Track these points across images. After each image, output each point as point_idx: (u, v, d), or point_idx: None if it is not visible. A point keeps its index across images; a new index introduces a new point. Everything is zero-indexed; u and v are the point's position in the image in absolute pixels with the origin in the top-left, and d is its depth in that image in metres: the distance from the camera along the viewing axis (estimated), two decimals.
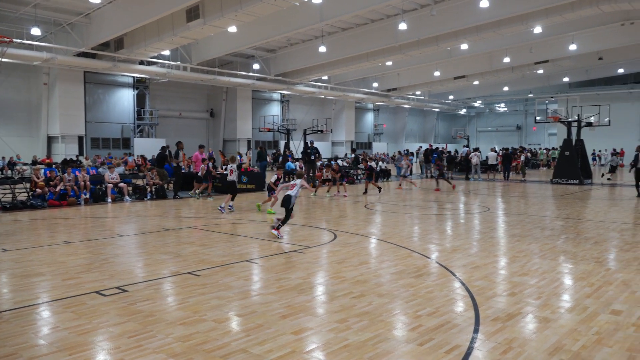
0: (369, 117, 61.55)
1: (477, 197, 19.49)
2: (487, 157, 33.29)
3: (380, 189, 20.50)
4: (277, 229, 10.25)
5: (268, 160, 33.30)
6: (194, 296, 6.43)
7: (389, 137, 63.42)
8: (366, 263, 8.15)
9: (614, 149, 46.48)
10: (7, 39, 16.48)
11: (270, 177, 13.34)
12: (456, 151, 47.77)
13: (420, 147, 47.36)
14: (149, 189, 18.13)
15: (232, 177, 14.17)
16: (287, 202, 10.35)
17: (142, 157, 32.73)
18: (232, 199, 14.32)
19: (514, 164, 32.87)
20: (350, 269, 7.71)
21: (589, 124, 27.06)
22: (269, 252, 8.90)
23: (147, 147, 36.47)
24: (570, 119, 26.54)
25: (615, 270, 7.73)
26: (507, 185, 25.43)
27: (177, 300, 6.27)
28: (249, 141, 44.07)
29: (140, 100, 39.88)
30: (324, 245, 9.65)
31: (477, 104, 65.42)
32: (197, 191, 17.79)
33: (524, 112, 68.80)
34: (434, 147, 37.11)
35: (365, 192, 20.05)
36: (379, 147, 58.27)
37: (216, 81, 36.66)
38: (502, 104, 68.05)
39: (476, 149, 29.79)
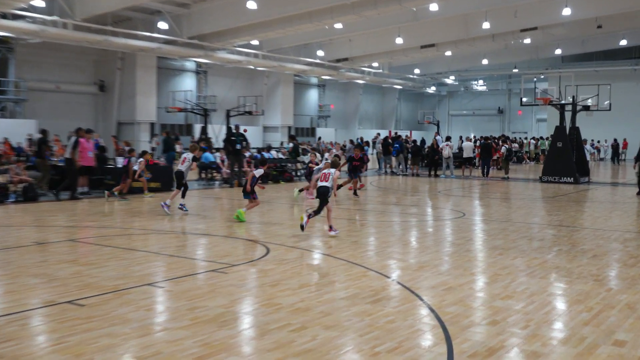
0: (312, 96, 62.12)
1: (449, 200, 20.00)
2: (461, 149, 34.31)
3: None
4: (309, 217, 11.89)
5: (178, 149, 32.78)
6: (76, 333, 6.19)
7: (338, 122, 64.23)
8: (308, 285, 8.16)
9: (615, 140, 49.17)
10: None
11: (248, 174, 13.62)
12: (423, 140, 49.09)
13: (378, 134, 48.40)
14: (12, 188, 17.52)
15: (182, 167, 15.15)
16: (325, 195, 11.96)
17: (6, 141, 31.52)
18: (183, 196, 15.20)
19: (494, 157, 34.03)
20: (288, 294, 7.69)
21: (586, 108, 28.37)
22: (179, 272, 8.74)
23: (10, 130, 35.03)
24: (563, 101, 27.74)
25: (618, 290, 8.12)
26: (486, 184, 26.28)
27: (53, 340, 6.02)
28: (152, 124, 43.28)
29: (1, 68, 38.26)
30: (253, 262, 9.61)
31: (450, 80, 67.37)
32: (115, 192, 18.32)
33: (507, 92, 71.47)
34: (395, 135, 37.72)
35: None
36: (325, 134, 58.90)
37: (108, 44, 35.75)
38: (481, 82, 70.45)
39: (448, 138, 30.56)
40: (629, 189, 23.93)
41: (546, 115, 58.52)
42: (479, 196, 21.57)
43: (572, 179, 25.94)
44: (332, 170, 12.35)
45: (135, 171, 18.86)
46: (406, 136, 44.86)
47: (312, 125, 61.16)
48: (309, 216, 11.92)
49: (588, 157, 34.68)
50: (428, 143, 38.50)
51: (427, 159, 32.44)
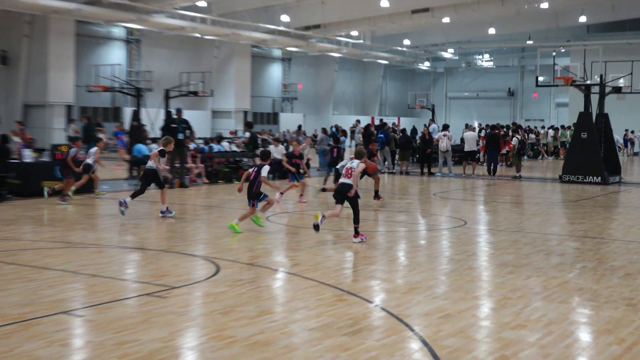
0: (275, 73, 62.11)
1: (446, 204, 20.14)
2: (461, 140, 34.52)
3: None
4: (358, 234, 12.79)
5: (104, 139, 32.49)
6: None
7: (308, 106, 64.35)
8: (270, 313, 8.15)
9: None
10: None
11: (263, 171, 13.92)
12: (414, 130, 49.35)
13: (358, 122, 48.48)
14: None
15: (152, 163, 15.96)
16: (344, 194, 12.74)
17: None
18: (133, 196, 16.00)
19: (503, 151, 34.37)
20: (244, 323, 7.67)
21: (617, 90, 28.80)
22: (104, 297, 8.66)
23: None
24: (588, 82, 28.13)
25: None
26: (492, 184, 26.54)
27: None
28: (69, 107, 42.80)
29: None
30: (199, 283, 9.57)
31: (448, 54, 67.90)
32: (68, 192, 18.82)
33: (519, 70, 72.33)
34: (379, 123, 37.88)
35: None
36: (291, 121, 58.94)
37: (11, 3, 35.25)
38: (486, 56, 71.22)
39: (445, 127, 30.77)
40: None
41: (567, 99, 59.26)
42: (484, 200, 21.77)
43: (599, 178, 26.32)
44: (356, 162, 13.00)
45: (89, 165, 19.11)
46: (393, 124, 45.07)
47: (274, 109, 61.15)
48: (355, 230, 12.84)
49: (619, 152, 35.28)
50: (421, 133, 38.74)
51: (418, 153, 32.65)
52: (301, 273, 10.21)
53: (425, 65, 71.25)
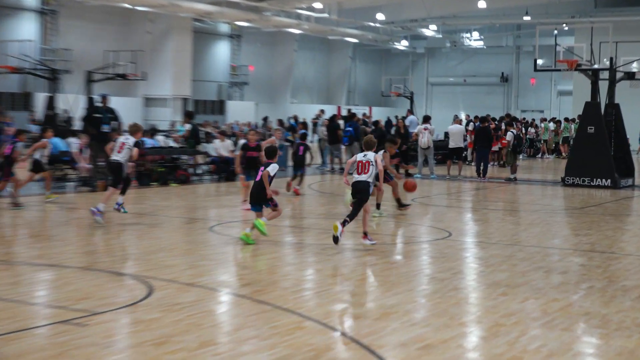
0: (222, 52, 61.92)
1: (427, 211, 20.22)
2: (446, 135, 34.64)
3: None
4: (344, 225, 13.31)
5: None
6: None
7: (261, 92, 64.24)
8: (214, 343, 8.11)
9: None
10: None
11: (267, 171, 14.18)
12: (389, 122, 49.45)
13: (322, 112, 48.50)
14: None
15: (119, 156, 16.44)
16: (364, 193, 13.54)
17: None
18: (123, 192, 16.61)
19: (495, 148, 34.64)
20: (182, 357, 7.62)
21: (630, 76, 29.08)
22: (9, 325, 8.53)
23: None
24: (596, 66, 28.43)
25: None
26: (482, 187, 26.70)
27: None
28: None
29: None
30: (127, 308, 9.49)
31: (430, 32, 68.17)
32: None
33: (514, 51, 72.98)
34: (347, 113, 37.98)
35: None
36: (240, 110, 58.73)
37: None
38: (476, 35, 71.63)
39: (426, 119, 30.93)
40: None
41: (571, 86, 59.85)
42: (473, 207, 21.90)
43: (609, 181, 26.56)
44: (371, 154, 13.81)
45: (38, 163, 19.65)
46: (364, 115, 45.25)
47: (220, 96, 60.94)
48: (344, 223, 13.32)
49: (634, 149, 35.65)
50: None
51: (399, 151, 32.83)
52: (252, 295, 10.17)
53: (403, 45, 71.59)
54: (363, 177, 13.61)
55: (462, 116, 50.38)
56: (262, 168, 14.24)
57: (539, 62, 29.99)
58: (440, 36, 68.98)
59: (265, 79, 64.90)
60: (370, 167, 13.61)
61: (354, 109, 50.09)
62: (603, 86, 28.25)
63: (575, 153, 28.16)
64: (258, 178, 14.12)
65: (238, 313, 9.52)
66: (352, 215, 13.59)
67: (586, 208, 21.16)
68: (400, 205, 19.11)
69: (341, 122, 33.85)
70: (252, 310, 9.44)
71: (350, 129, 30.87)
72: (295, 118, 44.38)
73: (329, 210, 19.74)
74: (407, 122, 34.90)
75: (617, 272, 12.21)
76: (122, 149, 16.38)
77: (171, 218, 17.56)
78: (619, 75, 28.48)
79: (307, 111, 58.37)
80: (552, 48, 29.63)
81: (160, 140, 28.26)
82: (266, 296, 10.09)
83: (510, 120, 38.84)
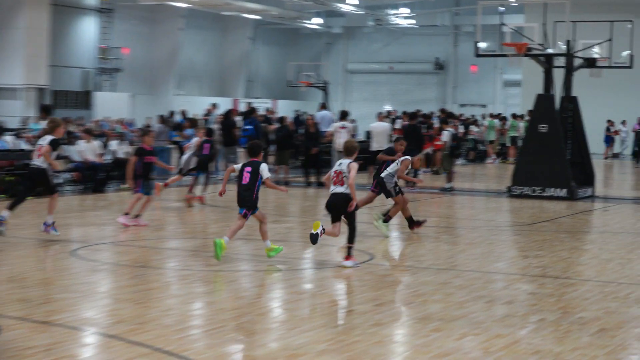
0: (88, 31, 60.96)
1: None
2: (368, 135, 34.74)
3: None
4: (349, 256, 14.68)
5: None
6: None
7: (138, 81, 63.66)
8: None
9: None
10: None
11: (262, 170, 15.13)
12: (297, 119, 49.41)
13: (214, 107, 48.16)
14: None
15: (39, 161, 16.96)
16: (341, 208, 14.67)
17: None
18: (12, 207, 17.38)
19: (427, 151, 34.87)
20: None
21: (590, 63, 29.60)
22: None
23: None
24: (550, 50, 28.83)
25: None
26: (412, 199, 26.90)
27: None
28: None
29: None
30: None
31: (348, 8, 68.38)
32: None
33: (451, 32, 73.51)
34: (247, 108, 37.94)
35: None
36: (111, 103, 58.02)
37: None
38: (405, 12, 71.89)
39: (344, 116, 31.08)
40: None
41: (520, 75, 60.74)
42: (400, 223, 22.02)
43: (564, 191, 26.92)
44: (346, 163, 14.67)
45: None
46: (267, 111, 45.25)
47: (85, 86, 60.08)
48: (349, 253, 14.73)
49: (596, 152, 36.13)
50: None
51: (303, 154, 32.88)
52: (125, 335, 10.10)
53: (315, 24, 71.72)
54: (340, 189, 14.50)
55: (385, 112, 50.81)
56: (247, 168, 14.87)
57: (481, 45, 30.26)
58: (362, 13, 69.29)
59: (144, 64, 64.25)
60: (344, 178, 14.36)
61: (255, 103, 50.04)
62: (558, 75, 28.67)
63: (524, 157, 28.40)
64: (247, 180, 14.76)
65: (107, 358, 9.45)
66: (351, 238, 14.72)
67: (537, 224, 21.48)
68: (413, 223, 19.23)
69: (239, 119, 33.82)
70: (125, 355, 9.38)
71: (249, 127, 30.88)
72: (184, 113, 43.96)
73: (222, 228, 19.71)
74: (318, 118, 34.97)
75: (573, 302, 12.44)
76: (42, 152, 16.76)
77: (23, 239, 17.28)
78: (577, 62, 28.94)
79: (196, 105, 57.86)
80: (497, 28, 29.97)
81: (9, 141, 27.82)
82: (143, 336, 10.03)
83: (446, 116, 39.11)
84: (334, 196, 14.61)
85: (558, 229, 20.81)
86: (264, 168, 14.93)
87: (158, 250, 16.21)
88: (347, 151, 14.96)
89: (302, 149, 32.13)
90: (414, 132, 30.39)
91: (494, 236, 19.39)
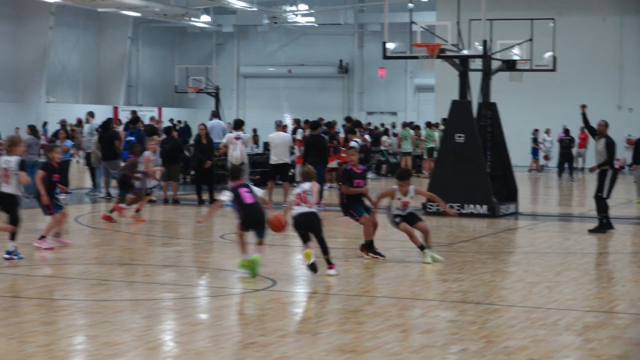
0: None
1: (232, 250, 20.36)
2: (266, 146, 34.75)
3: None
4: (332, 265, 16.88)
5: None
6: None
7: (3, 88, 62.85)
8: None
9: (565, 131, 52.51)
10: None
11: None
12: (187, 128, 49.30)
13: (90, 116, 47.87)
14: None
15: (9, 187, 17.87)
16: (314, 226, 16.90)
17: None
18: (13, 237, 18.19)
19: (332, 165, 34.96)
20: None
21: (510, 65, 29.96)
22: None
23: None
24: (465, 51, 29.12)
25: None
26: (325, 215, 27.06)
27: None
28: None
29: None
30: None
31: (240, 4, 68.26)
32: None
33: (355, 31, 73.86)
34: (131, 116, 37.78)
35: None
36: None
37: None
38: (304, 8, 71.98)
39: (239, 125, 31.12)
40: (591, 225, 25.59)
41: (433, 80, 61.25)
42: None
43: (485, 207, 27.20)
44: (307, 185, 16.91)
45: None
46: (152, 120, 45.04)
47: None
48: (330, 264, 16.89)
49: (518, 165, 36.55)
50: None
51: (193, 168, 32.81)
52: None
53: (203, 22, 71.55)
54: (307, 209, 16.84)
55: (288, 121, 50.94)
56: (245, 189, 16.58)
57: (390, 46, 30.32)
58: (255, 9, 68.98)
59: (8, 68, 63.52)
60: (308, 196, 16.63)
61: (139, 111, 49.83)
62: (475, 79, 28.99)
63: (439, 170, 28.66)
64: (252, 200, 16.54)
65: None
66: (325, 249, 16.86)
67: (456, 244, 21.70)
68: (370, 250, 19.33)
69: (119, 130, 33.64)
70: None
71: (132, 138, 30.69)
72: (63, 123, 43.34)
73: (105, 253, 19.62)
74: (208, 127, 34.91)
75: (497, 330, 12.60)
76: (8, 175, 17.68)
77: None
78: (495, 64, 29.29)
79: (70, 114, 57.47)
80: (406, 27, 30.16)
81: None
82: None
83: (352, 126, 39.21)
84: (304, 216, 16.71)
85: (479, 249, 21.05)
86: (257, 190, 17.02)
87: (29, 279, 16.07)
88: (305, 176, 17.27)
89: (194, 162, 32.04)
90: (318, 143, 30.35)
91: (409, 258, 19.48)
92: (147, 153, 24.33)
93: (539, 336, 12.23)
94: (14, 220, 17.97)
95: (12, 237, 18.04)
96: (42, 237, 19.64)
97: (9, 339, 11.58)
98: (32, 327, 12.44)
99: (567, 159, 50.41)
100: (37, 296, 14.93)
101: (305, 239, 16.74)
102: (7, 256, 17.85)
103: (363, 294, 15.23)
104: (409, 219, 18.73)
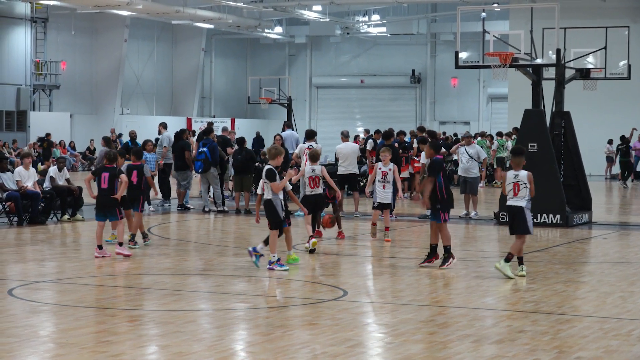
0: (20, 43, 60.49)
1: (313, 262, 20.31)
2: (336, 157, 34.65)
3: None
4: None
5: None
6: None
7: (79, 99, 63.59)
8: None
9: (623, 139, 51.67)
10: None
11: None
12: (259, 140, 49.31)
13: (160, 129, 48.11)
14: None
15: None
16: (320, 206, 21.39)
17: None
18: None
19: (405, 174, 34.77)
20: None
21: (584, 74, 29.67)
22: None
23: None
24: (539, 60, 28.85)
25: None
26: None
27: None
28: None
29: None
30: None
31: (313, 15, 68.24)
32: None
33: (428, 41, 73.56)
34: (206, 126, 37.87)
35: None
36: (49, 124, 57.69)
37: None
38: (376, 19, 71.90)
39: (311, 136, 31.09)
40: None
41: (506, 89, 60.81)
42: (375, 255, 22.02)
43: (558, 217, 26.92)
44: (318, 168, 20.21)
45: None
46: (224, 131, 45.12)
47: (19, 105, 59.88)
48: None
49: (592, 174, 36.15)
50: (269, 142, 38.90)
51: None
52: None
53: (277, 33, 71.67)
54: (316, 190, 20.47)
55: (359, 131, 50.73)
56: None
57: (462, 56, 30.24)
58: (328, 20, 68.88)
59: (84, 80, 64.08)
60: (320, 180, 19.28)
61: (217, 122, 50.01)
62: (548, 88, 28.75)
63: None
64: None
65: None
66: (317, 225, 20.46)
67: (528, 254, 21.49)
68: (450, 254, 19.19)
69: (192, 140, 33.78)
70: None
71: (204, 149, 30.75)
72: (133, 135, 43.46)
73: (177, 263, 19.70)
74: (283, 137, 34.92)
75: (569, 340, 12.48)
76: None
77: None
78: (568, 73, 29.02)
79: (145, 125, 57.88)
80: (479, 37, 29.94)
81: None
82: None
83: (424, 135, 38.98)
84: (316, 196, 20.34)
85: (552, 259, 20.89)
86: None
87: (104, 289, 16.17)
88: (313, 158, 20.16)
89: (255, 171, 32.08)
90: (390, 152, 30.14)
91: (481, 268, 19.43)
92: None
93: (612, 347, 12.12)
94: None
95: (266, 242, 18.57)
96: (121, 244, 20.08)
97: (82, 348, 11.67)
98: (104, 337, 12.55)
99: (626, 167, 49.47)
100: (110, 306, 15.03)
101: (313, 220, 20.47)
102: (269, 266, 18.26)
103: (434, 304, 15.17)
104: None
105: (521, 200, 17.33)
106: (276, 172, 18.24)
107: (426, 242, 22.91)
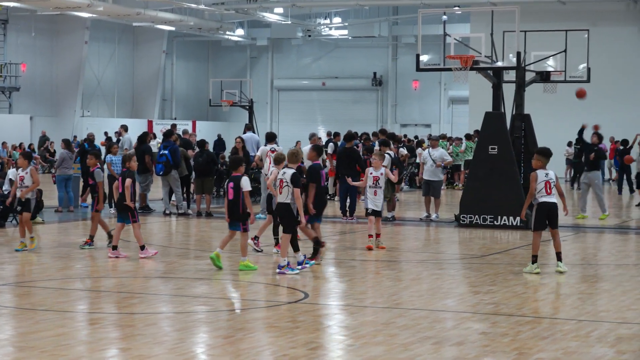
0: None
1: (271, 265, 20.31)
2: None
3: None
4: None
5: None
6: None
7: (39, 102, 63.36)
8: None
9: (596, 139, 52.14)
10: None
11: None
12: (220, 142, 49.32)
13: (121, 132, 48.09)
14: None
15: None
16: (288, 217, 18.37)
17: None
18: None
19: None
20: None
21: (544, 77, 29.76)
22: None
23: None
24: (499, 63, 28.96)
25: None
26: (350, 229, 26.91)
27: None
28: None
29: None
30: None
31: (274, 17, 68.17)
32: None
33: (389, 44, 73.71)
34: (170, 128, 37.78)
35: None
36: (8, 127, 57.47)
37: None
38: (337, 22, 72.01)
39: (271, 138, 31.06)
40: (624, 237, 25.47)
41: (467, 92, 60.98)
42: (337, 257, 22.03)
43: (518, 219, 26.87)
44: (289, 172, 17.97)
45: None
46: (185, 133, 45.05)
47: None
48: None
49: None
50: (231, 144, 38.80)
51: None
52: None
53: (238, 35, 71.60)
54: (283, 199, 18.07)
55: (321, 134, 50.78)
56: (230, 184, 17.92)
57: (423, 58, 30.22)
58: (289, 23, 68.77)
59: (44, 82, 63.84)
60: (289, 190, 17.82)
61: (180, 124, 49.92)
62: (509, 91, 28.87)
63: (472, 182, 28.47)
64: (232, 196, 17.83)
65: None
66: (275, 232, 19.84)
67: (488, 256, 21.60)
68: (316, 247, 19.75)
69: (154, 143, 33.66)
70: None
71: (166, 152, 30.62)
72: (91, 137, 43.29)
73: (138, 266, 19.65)
74: (245, 140, 34.86)
75: (529, 342, 12.54)
76: None
77: None
78: (529, 75, 29.13)
79: (106, 128, 57.67)
80: (440, 39, 30.09)
81: None
82: None
83: (386, 138, 38.91)
84: (279, 206, 18.34)
85: (512, 261, 20.96)
86: (244, 181, 17.83)
87: (64, 292, 16.11)
88: (276, 161, 19.35)
89: (227, 175, 32.02)
90: (350, 155, 30.10)
91: (441, 270, 19.48)
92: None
93: (571, 348, 12.20)
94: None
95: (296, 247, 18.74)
96: (143, 247, 20.37)
97: (41, 352, 11.64)
98: (64, 340, 12.50)
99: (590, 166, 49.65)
100: (70, 309, 14.99)
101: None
102: (299, 267, 18.38)
103: (395, 306, 15.19)
104: None
105: (554, 197, 18.23)
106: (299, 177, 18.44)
107: (386, 244, 23.04)
